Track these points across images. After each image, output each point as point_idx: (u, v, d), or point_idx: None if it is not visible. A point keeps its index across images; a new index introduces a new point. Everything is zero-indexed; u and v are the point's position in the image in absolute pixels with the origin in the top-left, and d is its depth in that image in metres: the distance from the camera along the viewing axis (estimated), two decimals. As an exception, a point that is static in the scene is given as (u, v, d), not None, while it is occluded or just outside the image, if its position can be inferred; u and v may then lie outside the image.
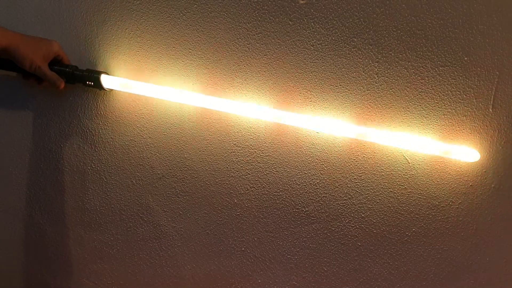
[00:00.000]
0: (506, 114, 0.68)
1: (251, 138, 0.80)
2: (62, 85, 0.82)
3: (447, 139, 0.70)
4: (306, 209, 0.81)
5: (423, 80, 0.69)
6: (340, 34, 0.71)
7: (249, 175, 0.82)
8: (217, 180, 0.85)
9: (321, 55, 0.72)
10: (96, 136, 0.90)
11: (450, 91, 0.69)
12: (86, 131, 0.90)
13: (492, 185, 0.72)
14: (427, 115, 0.71)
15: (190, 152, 0.84)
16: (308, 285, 0.86)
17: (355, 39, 0.70)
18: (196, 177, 0.86)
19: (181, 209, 0.89)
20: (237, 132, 0.80)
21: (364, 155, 0.75)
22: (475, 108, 0.69)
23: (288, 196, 0.81)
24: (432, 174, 0.73)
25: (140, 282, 0.99)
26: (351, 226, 0.80)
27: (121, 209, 0.94)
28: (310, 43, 0.72)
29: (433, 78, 0.69)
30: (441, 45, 0.67)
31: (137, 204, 0.92)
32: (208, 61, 0.78)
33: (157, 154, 0.87)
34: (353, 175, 0.77)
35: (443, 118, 0.70)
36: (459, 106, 0.69)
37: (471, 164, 0.71)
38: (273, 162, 0.80)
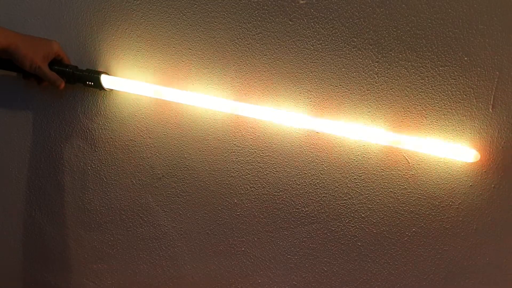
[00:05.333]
0: (506, 114, 0.68)
1: (251, 138, 0.80)
2: (62, 85, 0.82)
3: (447, 139, 0.70)
4: (306, 209, 0.81)
5: (423, 80, 0.69)
6: (340, 34, 0.71)
7: (249, 175, 0.82)
8: (217, 180, 0.85)
9: (321, 55, 0.72)
10: (96, 136, 0.90)
11: (450, 91, 0.69)
12: (86, 131, 0.90)
13: (492, 185, 0.72)
14: (427, 115, 0.70)
15: (190, 152, 0.84)
16: (308, 285, 0.86)
17: (355, 39, 0.70)
18: (196, 177, 0.86)
19: (181, 209, 0.89)
20: (237, 132, 0.80)
21: (364, 155, 0.75)
22: (475, 108, 0.69)
23: (288, 196, 0.81)
24: (432, 174, 0.73)
25: (140, 282, 0.99)
26: (351, 226, 0.80)
27: (121, 209, 0.94)
28: (310, 43, 0.72)
29: (433, 78, 0.69)
30: (441, 45, 0.67)
31: (137, 204, 0.92)
32: (208, 61, 0.78)
33: (157, 154, 0.87)
34: (353, 175, 0.77)
35: (443, 118, 0.70)
36: (459, 106, 0.69)
37: (471, 164, 0.71)
38: (273, 162, 0.80)
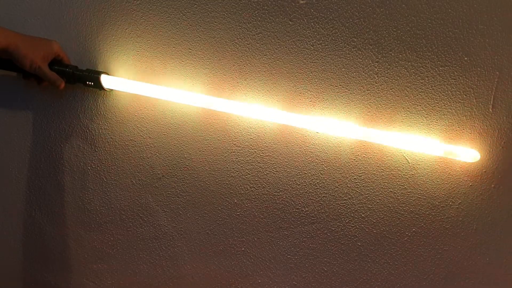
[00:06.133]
0: (506, 114, 0.68)
1: (251, 138, 0.80)
2: (62, 85, 0.82)
3: (447, 139, 0.70)
4: (306, 209, 0.81)
5: (423, 80, 0.69)
6: (340, 34, 0.71)
7: (249, 175, 0.82)
8: (217, 180, 0.85)
9: (321, 55, 0.72)
10: (96, 136, 0.90)
11: (450, 91, 0.69)
12: (86, 131, 0.90)
13: (492, 185, 0.72)
14: (427, 115, 0.71)
15: (190, 152, 0.84)
16: (308, 285, 0.86)
17: (355, 39, 0.70)
18: (196, 177, 0.86)
19: (181, 209, 0.89)
20: (237, 132, 0.80)
21: (364, 155, 0.75)
22: (475, 108, 0.69)
23: (288, 196, 0.81)
24: (432, 174, 0.73)
25: (140, 282, 0.99)
26: (351, 226, 0.80)
27: (121, 209, 0.94)
28: (310, 43, 0.72)
29: (433, 78, 0.69)
30: (441, 45, 0.67)
31: (137, 204, 0.92)
32: (208, 61, 0.78)
33: (157, 154, 0.87)
34: (353, 175, 0.77)
35: (443, 118, 0.70)
36: (459, 106, 0.69)
37: (471, 164, 0.71)
38: (273, 162, 0.80)
